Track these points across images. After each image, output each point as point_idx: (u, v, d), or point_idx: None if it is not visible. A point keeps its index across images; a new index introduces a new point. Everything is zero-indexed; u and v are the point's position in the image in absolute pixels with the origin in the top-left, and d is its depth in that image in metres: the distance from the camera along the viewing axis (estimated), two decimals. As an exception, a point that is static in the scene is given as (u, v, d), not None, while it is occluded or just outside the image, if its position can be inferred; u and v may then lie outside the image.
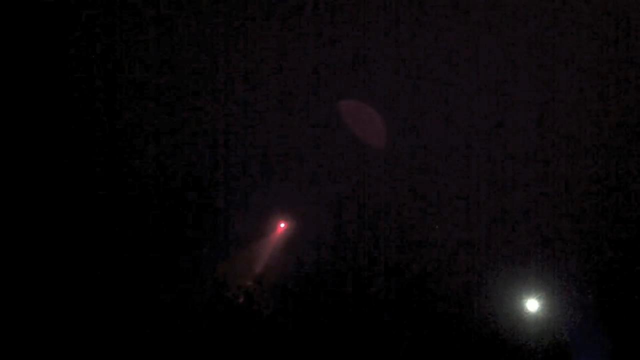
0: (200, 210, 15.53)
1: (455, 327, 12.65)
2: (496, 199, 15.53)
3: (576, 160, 15.24)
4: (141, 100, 15.36)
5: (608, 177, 15.01)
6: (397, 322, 12.67)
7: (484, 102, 15.71)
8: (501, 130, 15.53)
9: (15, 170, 14.36)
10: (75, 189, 14.81)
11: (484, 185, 15.60)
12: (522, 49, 15.42)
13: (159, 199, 15.22)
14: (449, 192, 15.71)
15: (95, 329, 12.83)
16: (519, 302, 13.08)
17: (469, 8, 15.56)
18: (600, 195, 14.91)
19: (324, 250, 15.55)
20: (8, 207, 14.07)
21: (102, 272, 14.04)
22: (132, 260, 14.22)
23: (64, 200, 14.64)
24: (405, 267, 15.13)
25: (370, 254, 15.57)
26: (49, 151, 14.76)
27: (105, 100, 15.27)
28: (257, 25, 15.72)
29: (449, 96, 15.88)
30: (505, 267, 14.39)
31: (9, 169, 14.33)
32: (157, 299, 13.12)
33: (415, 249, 15.40)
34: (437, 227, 15.36)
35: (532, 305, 12.90)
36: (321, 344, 11.91)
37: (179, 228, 15.21)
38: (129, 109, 15.34)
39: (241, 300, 13.26)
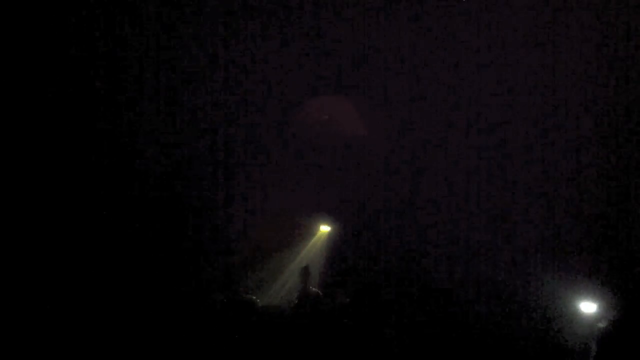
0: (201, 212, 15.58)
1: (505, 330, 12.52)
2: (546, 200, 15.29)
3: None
4: (141, 100, 15.35)
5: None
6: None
7: (484, 101, 15.74)
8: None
9: (14, 171, 14.31)
10: (75, 189, 14.77)
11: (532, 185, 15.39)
12: (523, 49, 15.43)
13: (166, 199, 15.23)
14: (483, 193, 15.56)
15: (95, 330, 12.75)
16: (573, 304, 12.81)
17: (470, 7, 15.58)
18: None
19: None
20: (8, 207, 14.02)
21: (101, 272, 14.02)
22: (133, 262, 14.23)
23: (63, 200, 14.60)
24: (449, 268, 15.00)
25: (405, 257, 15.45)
26: (48, 151, 14.71)
27: (105, 100, 15.23)
28: (258, 24, 15.71)
29: (450, 94, 15.90)
30: (556, 267, 14.17)
31: (7, 169, 14.28)
32: (163, 301, 13.10)
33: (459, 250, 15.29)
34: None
35: (588, 307, 12.55)
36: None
37: (183, 231, 15.25)
38: (128, 109, 15.33)
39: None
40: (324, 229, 16.41)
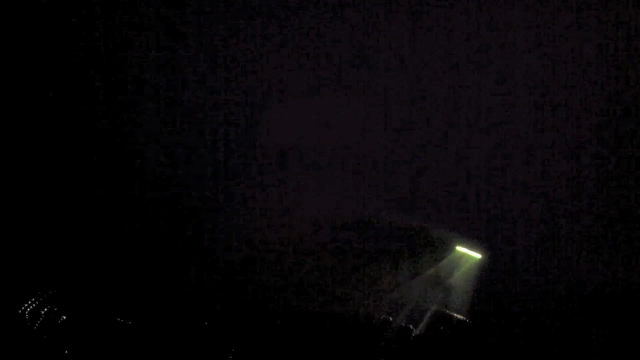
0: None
1: None
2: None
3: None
4: (141, 100, 15.36)
5: None
6: None
7: (484, 103, 15.72)
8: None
9: (14, 170, 14.34)
10: (75, 189, 14.79)
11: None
12: (523, 48, 15.40)
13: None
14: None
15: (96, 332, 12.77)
16: None
17: (470, 7, 15.56)
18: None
19: None
20: (7, 207, 14.06)
21: (102, 273, 14.04)
22: (134, 262, 14.25)
23: (63, 201, 14.62)
24: None
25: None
26: (48, 151, 14.74)
27: (105, 100, 15.25)
28: (257, 24, 15.70)
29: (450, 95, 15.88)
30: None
31: (7, 169, 14.32)
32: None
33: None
34: None
35: None
36: None
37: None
38: (128, 109, 15.34)
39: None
40: (468, 252, 14.33)
